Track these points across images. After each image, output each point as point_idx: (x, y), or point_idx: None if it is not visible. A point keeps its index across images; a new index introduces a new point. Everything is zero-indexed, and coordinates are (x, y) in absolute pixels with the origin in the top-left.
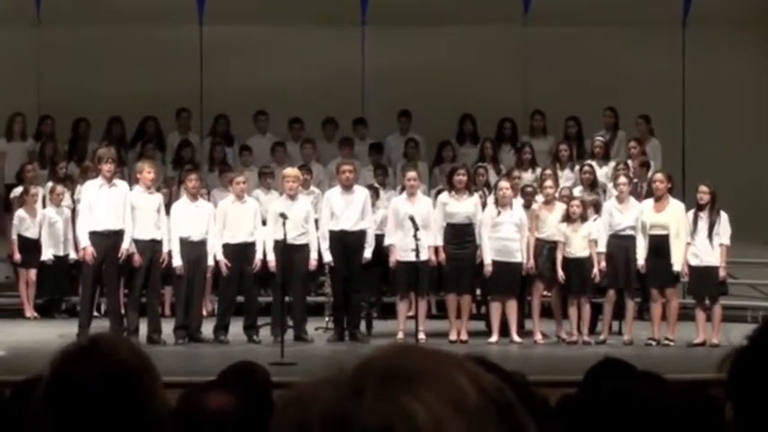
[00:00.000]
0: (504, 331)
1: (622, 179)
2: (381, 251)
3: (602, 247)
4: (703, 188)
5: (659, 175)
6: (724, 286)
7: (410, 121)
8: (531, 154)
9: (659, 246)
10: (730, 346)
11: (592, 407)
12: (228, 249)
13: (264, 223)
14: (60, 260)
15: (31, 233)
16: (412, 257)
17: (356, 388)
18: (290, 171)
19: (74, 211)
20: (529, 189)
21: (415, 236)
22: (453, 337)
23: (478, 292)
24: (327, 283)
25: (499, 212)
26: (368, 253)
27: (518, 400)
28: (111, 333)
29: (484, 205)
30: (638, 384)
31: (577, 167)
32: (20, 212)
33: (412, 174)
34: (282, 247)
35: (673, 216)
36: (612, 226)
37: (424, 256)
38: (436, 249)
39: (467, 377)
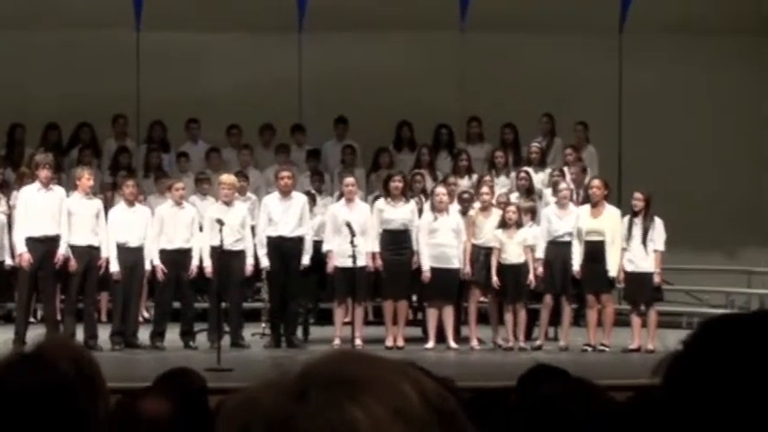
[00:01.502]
0: (441, 337)
1: (563, 185)
2: (319, 257)
3: (539, 254)
4: (638, 195)
5: (596, 182)
6: (659, 292)
7: (347, 128)
8: (467, 161)
9: (595, 251)
10: (665, 352)
11: (523, 414)
12: (165, 255)
13: (201, 229)
14: None
15: None
16: (349, 264)
17: (300, 393)
18: (227, 177)
19: (10, 217)
20: (465, 195)
21: (351, 242)
22: (390, 343)
23: (415, 298)
24: (264, 288)
25: (436, 218)
26: (306, 259)
27: (460, 408)
28: (58, 340)
29: (420, 212)
30: (569, 390)
31: (513, 174)
32: None
33: (349, 180)
34: (219, 253)
35: (609, 222)
36: (551, 232)
37: (361, 263)
38: (373, 255)
39: (410, 384)
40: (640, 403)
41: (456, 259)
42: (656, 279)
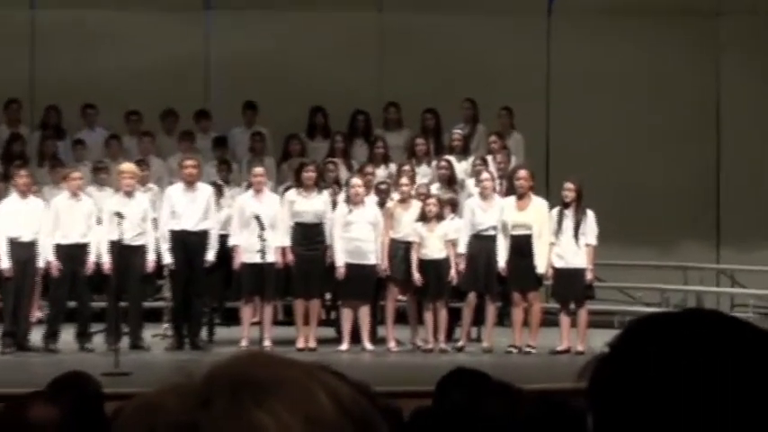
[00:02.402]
0: (356, 338)
1: (485, 175)
2: (225, 253)
3: (462, 248)
4: (568, 185)
5: (522, 171)
6: (590, 290)
7: (256, 114)
8: (384, 148)
9: (521, 246)
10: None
11: (441, 421)
12: (60, 250)
13: (99, 222)
14: None
15: None
16: (257, 259)
17: (204, 398)
18: (127, 166)
19: None
20: (383, 186)
21: (260, 236)
22: (301, 344)
23: (328, 296)
24: (167, 286)
25: (351, 211)
26: (211, 255)
27: (377, 415)
28: None
29: (334, 203)
30: (489, 397)
31: (434, 163)
32: None
33: (258, 170)
34: (118, 249)
35: (536, 215)
36: (474, 225)
37: (270, 258)
38: (283, 250)
39: (322, 389)
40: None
41: (372, 254)
42: (588, 276)
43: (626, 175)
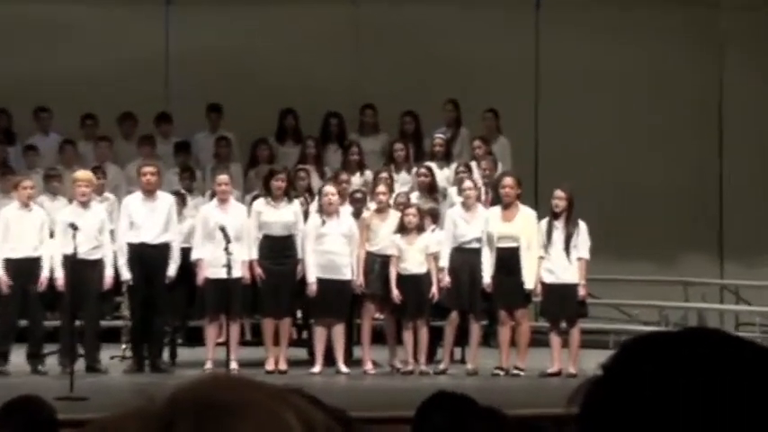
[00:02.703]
0: (330, 360)
1: (468, 183)
2: (188, 267)
3: (444, 262)
4: (559, 193)
5: (508, 179)
6: (583, 307)
7: (221, 117)
8: (359, 154)
9: (508, 260)
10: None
11: None
12: (10, 265)
13: (52, 235)
14: None
15: None
16: (223, 274)
17: (168, 422)
18: (82, 174)
19: None
20: (358, 195)
21: (226, 249)
22: (270, 366)
23: (299, 314)
24: (125, 304)
25: (324, 222)
26: (172, 270)
27: None
28: None
29: (306, 214)
30: (474, 422)
31: (414, 170)
32: None
33: (223, 177)
34: (72, 263)
35: (523, 226)
36: (456, 237)
37: (236, 273)
38: (251, 265)
39: (294, 413)
40: None
41: (347, 269)
42: (581, 292)
43: (622, 181)
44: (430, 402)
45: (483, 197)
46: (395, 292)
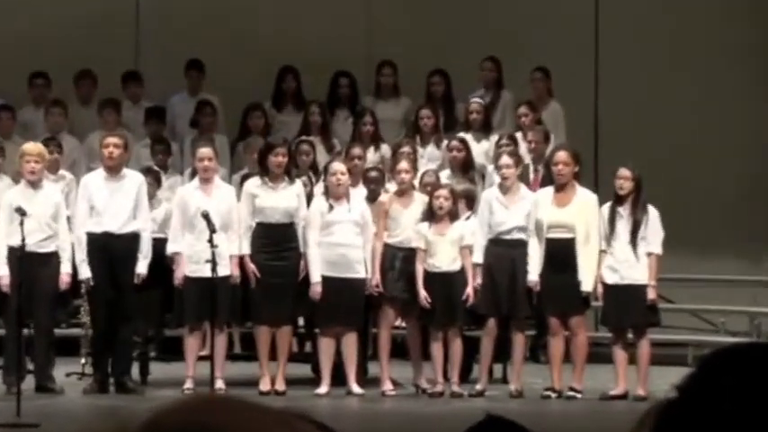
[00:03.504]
0: (339, 378)
1: (506, 159)
2: (162, 263)
3: (478, 258)
4: (624, 172)
5: (562, 154)
6: (654, 313)
7: (203, 77)
8: (374, 124)
9: (561, 254)
10: (658, 400)
11: None
12: None
13: None
14: None
15: None
16: (206, 272)
17: None
18: (32, 147)
19: None
20: (374, 174)
21: (210, 241)
22: (266, 386)
23: (301, 321)
24: (85, 308)
25: (332, 207)
26: (142, 267)
27: None
28: None
29: (310, 197)
30: None
31: (445, 143)
32: None
33: (206, 151)
34: (20, 257)
35: (580, 213)
36: (493, 227)
37: (223, 271)
38: (241, 260)
39: None
40: None
41: (361, 266)
42: (651, 295)
43: (700, 160)
44: (476, 431)
45: (531, 176)
46: (421, 294)
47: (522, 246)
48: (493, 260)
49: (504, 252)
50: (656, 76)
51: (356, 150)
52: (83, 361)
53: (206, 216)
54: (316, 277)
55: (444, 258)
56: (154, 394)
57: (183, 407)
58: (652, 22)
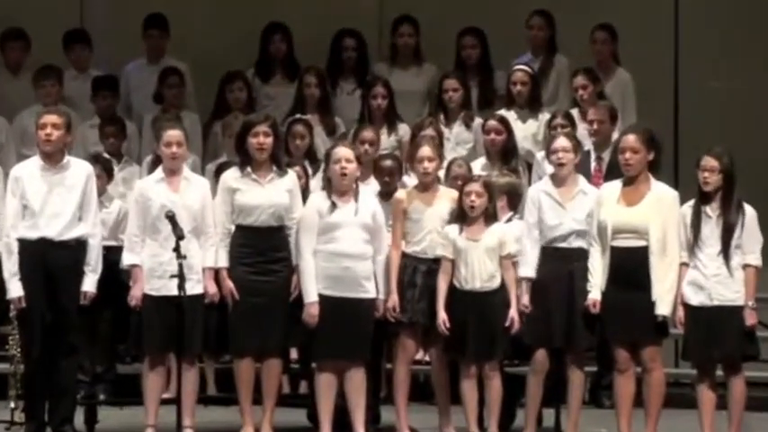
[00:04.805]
0: (343, 426)
1: (561, 141)
2: (116, 278)
3: (524, 271)
4: (710, 162)
5: (631, 138)
6: (752, 343)
7: (168, 37)
8: (388, 97)
9: (631, 267)
10: None
11: None
12: None
13: None
14: None
15: None
16: (173, 290)
17: None
18: None
19: None
20: (389, 163)
21: (176, 250)
22: None
23: (294, 353)
24: (14, 337)
25: (334, 205)
26: (89, 283)
27: None
28: None
29: (305, 193)
30: None
31: (479, 122)
32: None
33: (173, 134)
34: None
35: (655, 214)
36: (543, 231)
37: (194, 289)
38: (217, 274)
39: None
40: None
41: (370, 282)
42: (749, 320)
43: None
44: None
45: (593, 166)
46: (440, 317)
47: (581, 256)
48: (543, 275)
49: (558, 265)
50: (751, 42)
51: (366, 133)
52: (12, 405)
53: (171, 218)
54: (312, 297)
55: (479, 272)
56: None
57: None
58: None
